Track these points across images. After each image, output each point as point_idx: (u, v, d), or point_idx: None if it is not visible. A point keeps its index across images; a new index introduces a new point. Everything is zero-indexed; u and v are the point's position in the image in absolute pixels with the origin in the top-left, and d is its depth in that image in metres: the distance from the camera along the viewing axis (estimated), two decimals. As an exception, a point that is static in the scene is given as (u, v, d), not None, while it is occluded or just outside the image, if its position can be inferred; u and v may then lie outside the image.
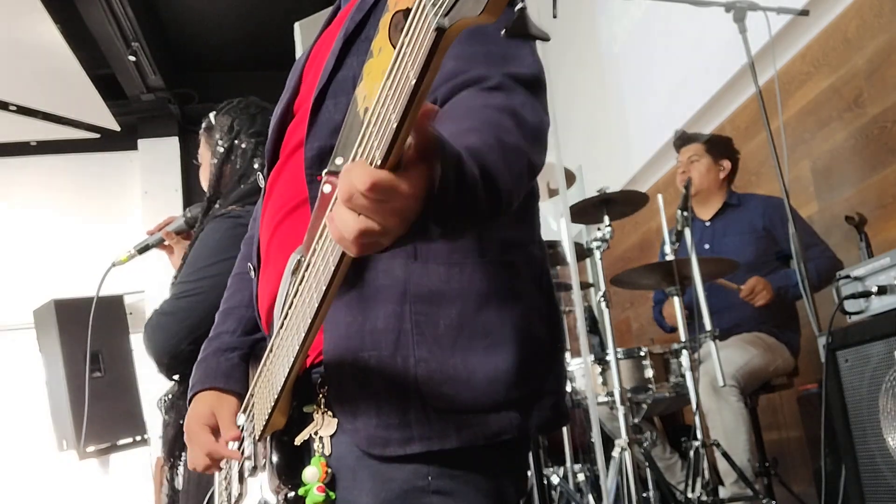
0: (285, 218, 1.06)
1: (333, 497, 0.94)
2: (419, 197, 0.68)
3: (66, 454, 3.27)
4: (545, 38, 0.63)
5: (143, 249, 2.29)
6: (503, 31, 0.62)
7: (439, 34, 0.58)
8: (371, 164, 0.66)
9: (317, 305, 0.83)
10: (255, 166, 2.03)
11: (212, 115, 2.16)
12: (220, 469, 1.15)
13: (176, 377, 2.04)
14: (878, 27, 2.98)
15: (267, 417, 1.01)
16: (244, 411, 1.12)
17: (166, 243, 2.27)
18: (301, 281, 0.88)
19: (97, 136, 6.95)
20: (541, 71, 0.97)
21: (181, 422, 1.95)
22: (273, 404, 0.99)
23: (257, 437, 1.05)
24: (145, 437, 3.46)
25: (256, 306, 1.15)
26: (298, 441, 0.99)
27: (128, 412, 3.33)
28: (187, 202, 7.69)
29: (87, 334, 3.36)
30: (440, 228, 0.72)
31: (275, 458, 1.01)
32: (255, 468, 1.06)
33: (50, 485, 6.48)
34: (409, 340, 0.93)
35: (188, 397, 1.17)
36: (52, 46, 5.43)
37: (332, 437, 0.96)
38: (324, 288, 0.81)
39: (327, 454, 0.96)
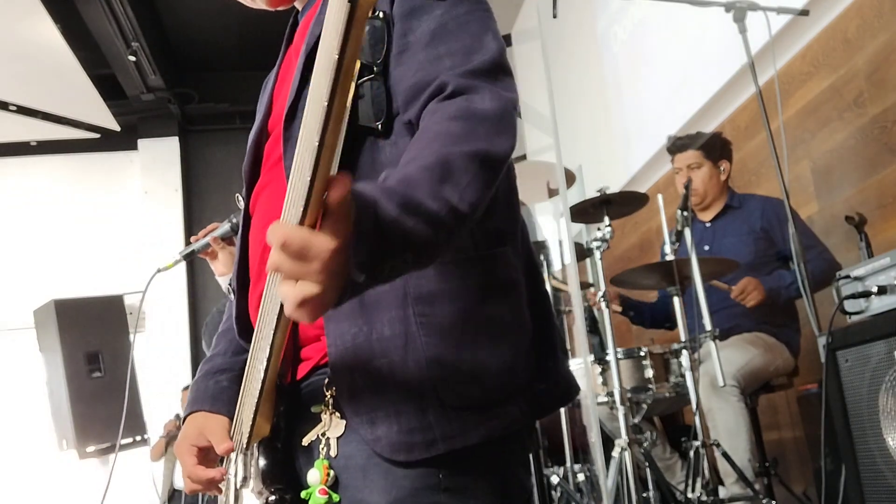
0: None
1: (337, 499, 0.95)
2: (341, 249, 0.71)
3: (67, 454, 3.27)
4: None
5: (188, 255, 2.31)
6: None
7: (353, 5, 0.64)
8: (311, 149, 0.70)
9: (278, 310, 0.84)
10: None
11: None
12: (216, 489, 1.15)
13: None
14: (878, 27, 2.98)
15: (251, 425, 1.01)
16: (234, 429, 1.13)
17: (209, 249, 2.29)
18: (266, 289, 0.90)
19: (97, 136, 6.95)
20: (501, 53, 0.98)
21: None
22: (254, 411, 0.99)
23: (245, 447, 1.05)
24: (145, 437, 3.46)
25: (242, 323, 1.15)
26: (306, 442, 1.00)
27: (128, 412, 3.33)
28: (187, 202, 7.69)
29: (87, 334, 3.36)
30: (368, 275, 0.76)
31: (262, 463, 1.01)
32: (245, 479, 1.06)
33: (50, 485, 6.48)
34: (417, 343, 0.94)
35: (182, 420, 1.18)
36: (52, 46, 5.43)
37: (339, 438, 0.96)
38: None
39: (333, 455, 0.96)
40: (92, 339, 3.36)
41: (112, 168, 7.78)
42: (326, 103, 0.67)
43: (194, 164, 7.84)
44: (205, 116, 7.76)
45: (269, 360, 0.92)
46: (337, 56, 0.66)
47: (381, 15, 0.99)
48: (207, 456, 1.12)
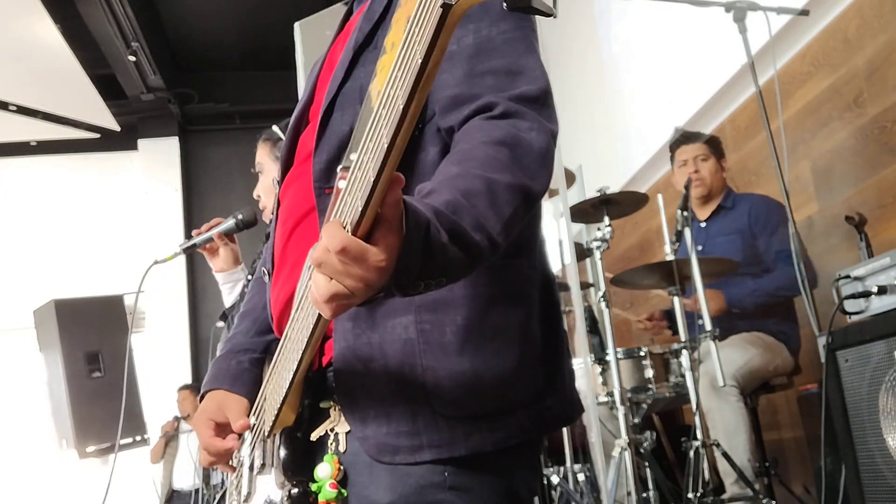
0: (296, 225, 1.08)
1: (346, 494, 0.95)
2: (386, 269, 0.73)
3: (67, 454, 3.27)
4: (550, 13, 0.66)
5: (188, 249, 2.30)
6: (504, 4, 0.64)
7: (445, 10, 0.60)
8: (378, 150, 0.68)
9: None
10: None
11: (276, 128, 2.18)
12: (228, 466, 1.16)
13: None
14: (878, 27, 2.98)
15: (276, 414, 1.02)
16: (254, 412, 1.13)
17: (210, 245, 2.28)
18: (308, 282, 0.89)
19: (97, 136, 6.95)
20: (547, 82, 0.97)
21: None
22: (282, 401, 1.00)
23: (267, 434, 1.06)
24: (145, 436, 3.47)
25: (269, 310, 1.16)
26: (314, 437, 1.00)
27: (128, 412, 3.33)
28: (187, 202, 7.69)
29: (87, 334, 3.36)
30: (401, 292, 0.78)
31: (282, 454, 1.02)
32: (263, 466, 1.07)
33: (50, 485, 6.48)
34: (415, 349, 0.94)
35: (199, 395, 1.18)
36: (52, 46, 5.43)
37: (348, 433, 0.97)
38: None
39: (342, 450, 0.97)
40: (92, 339, 3.36)
41: (112, 168, 7.78)
42: (402, 106, 0.65)
43: (194, 164, 7.84)
44: (205, 116, 7.76)
45: (304, 352, 0.92)
46: (420, 60, 0.63)
47: None
48: (223, 432, 1.12)
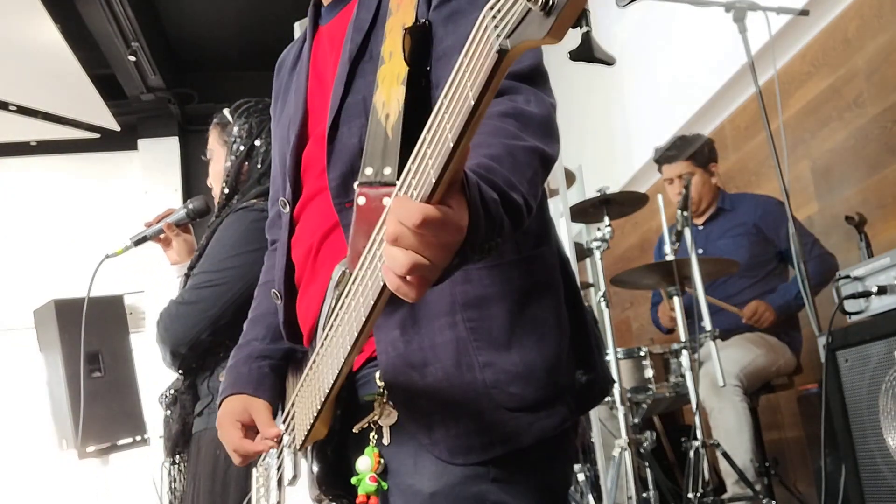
0: (322, 242, 1.08)
1: (386, 487, 0.96)
2: (463, 228, 0.72)
3: (66, 454, 3.27)
4: (611, 62, 0.67)
5: (139, 241, 2.26)
6: (568, 54, 0.65)
7: (501, 56, 0.61)
8: (426, 182, 0.69)
9: (364, 318, 0.83)
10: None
11: (226, 112, 2.13)
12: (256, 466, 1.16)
13: (181, 372, 2.03)
14: (878, 27, 2.98)
15: (309, 428, 1.02)
16: (284, 421, 1.13)
17: (163, 236, 2.24)
18: (347, 294, 0.88)
19: (97, 136, 6.95)
20: (539, 58, 1.00)
21: (186, 418, 1.95)
22: (316, 415, 1.00)
23: (298, 447, 1.06)
24: (145, 437, 3.46)
25: (291, 328, 1.16)
26: (357, 429, 1.00)
27: (128, 412, 3.33)
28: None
29: (87, 334, 3.36)
30: (477, 255, 0.76)
31: (315, 468, 1.02)
32: (294, 477, 1.07)
33: (50, 485, 6.48)
34: (468, 347, 0.95)
35: (218, 402, 1.17)
36: (52, 46, 5.43)
37: (392, 426, 0.98)
38: (372, 301, 0.81)
39: (385, 443, 0.97)
40: (92, 339, 3.36)
41: (112, 168, 7.78)
42: (452, 144, 0.66)
43: (194, 164, 7.83)
44: (205, 116, 7.71)
45: (340, 370, 0.92)
46: (473, 102, 0.65)
47: (426, 23, 0.99)
48: (249, 434, 1.13)
